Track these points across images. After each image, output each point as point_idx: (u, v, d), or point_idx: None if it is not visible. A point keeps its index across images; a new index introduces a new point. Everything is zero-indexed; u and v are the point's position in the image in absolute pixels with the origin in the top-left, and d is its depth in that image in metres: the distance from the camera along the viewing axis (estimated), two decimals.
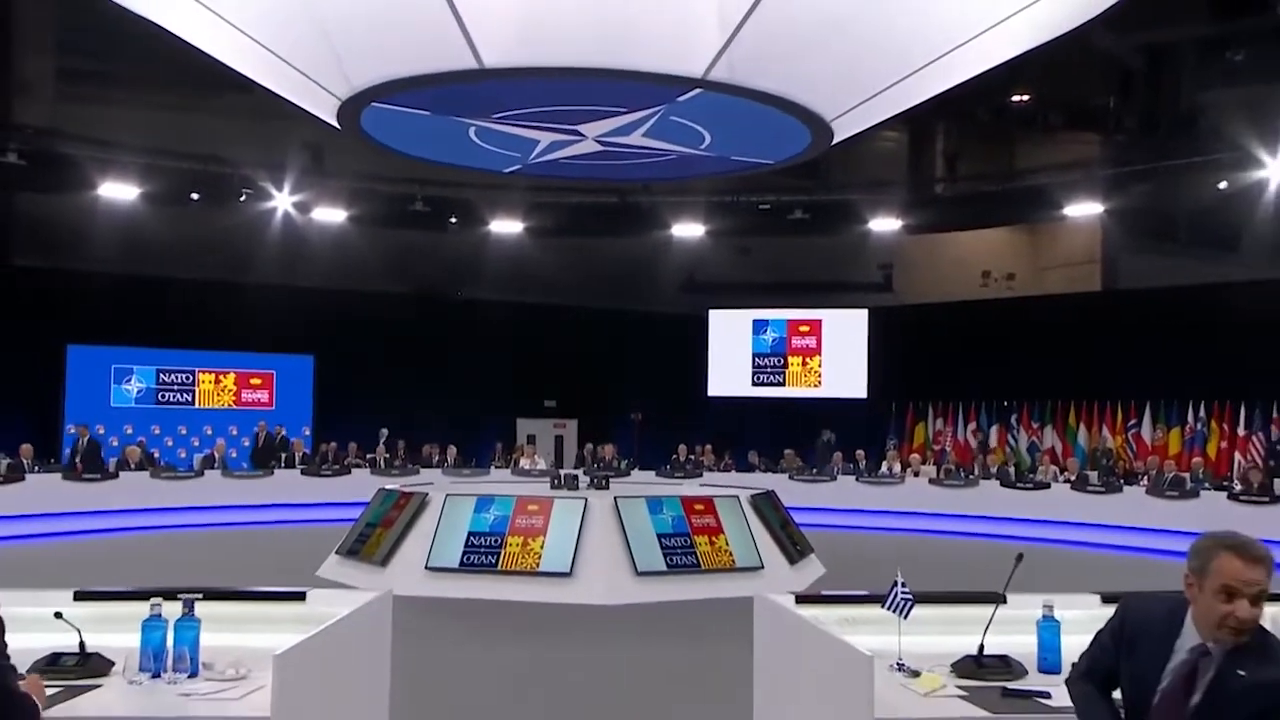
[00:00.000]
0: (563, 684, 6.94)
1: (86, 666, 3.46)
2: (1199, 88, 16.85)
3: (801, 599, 4.72)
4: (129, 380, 18.49)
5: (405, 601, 5.54)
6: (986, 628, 3.85)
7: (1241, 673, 2.74)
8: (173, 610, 3.67)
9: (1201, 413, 17.37)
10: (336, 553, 10.58)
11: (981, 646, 3.83)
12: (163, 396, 18.74)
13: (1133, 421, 18.10)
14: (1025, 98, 19.66)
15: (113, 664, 3.53)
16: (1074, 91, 19.17)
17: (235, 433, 18.87)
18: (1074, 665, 3.27)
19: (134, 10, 9.27)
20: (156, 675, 3.48)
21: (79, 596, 3.91)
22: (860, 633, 3.85)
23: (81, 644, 3.51)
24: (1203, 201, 16.90)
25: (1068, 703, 3.20)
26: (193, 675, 3.51)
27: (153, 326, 17.98)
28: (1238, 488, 14.19)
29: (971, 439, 19.71)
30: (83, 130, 16.46)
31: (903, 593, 3.91)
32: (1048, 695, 3.47)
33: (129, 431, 17.66)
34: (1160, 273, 18.83)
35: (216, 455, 16.67)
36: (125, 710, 3.31)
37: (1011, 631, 4.01)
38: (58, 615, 3.53)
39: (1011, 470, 17.15)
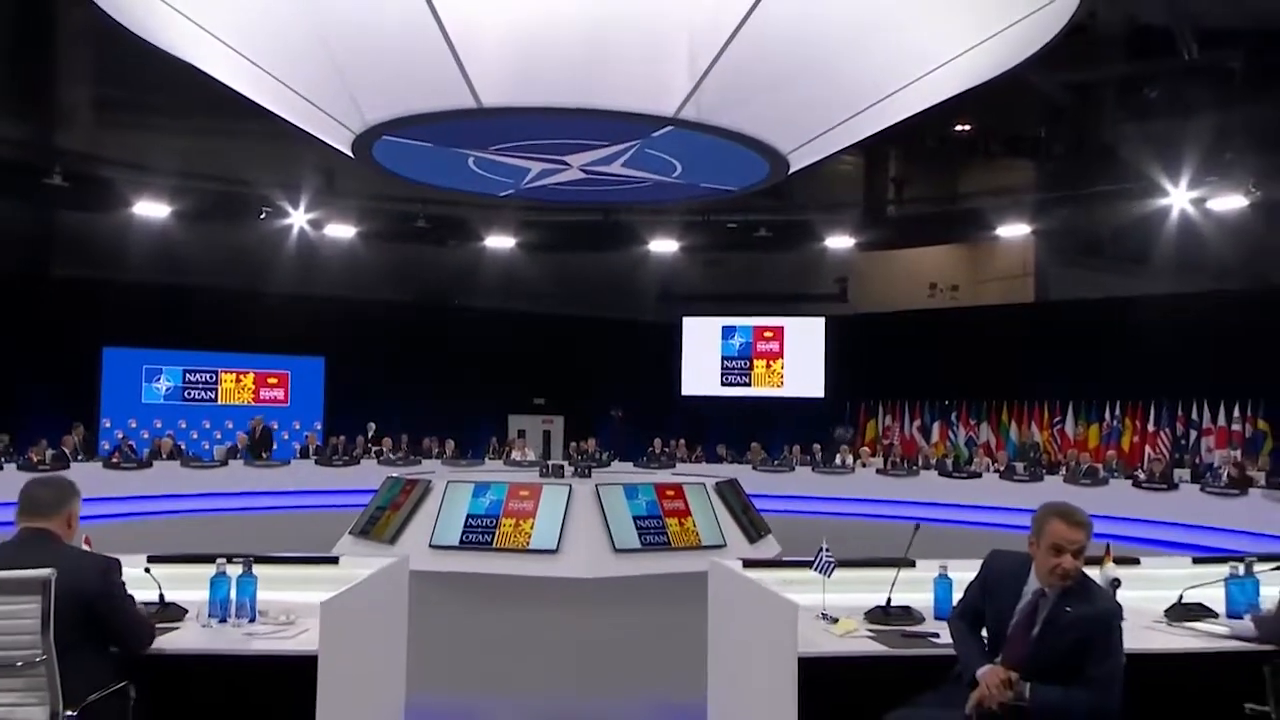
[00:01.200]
0: (550, 644, 7.14)
1: (166, 613, 3.74)
2: (1118, 122, 16.99)
3: (748, 564, 5.07)
4: (158, 379, 18.44)
5: (412, 575, 5.78)
6: (893, 584, 4.21)
7: (1069, 609, 3.20)
8: (232, 571, 4.05)
9: (1118, 411, 17.57)
10: (350, 533, 10.82)
11: (889, 599, 4.21)
12: (189, 394, 18.70)
13: (1058, 419, 18.25)
14: (967, 127, 19.87)
15: (186, 611, 3.83)
16: (1010, 123, 19.29)
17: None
18: (953, 608, 3.73)
19: (180, 56, 9.52)
20: (223, 620, 3.78)
21: (152, 560, 4.09)
22: (794, 591, 4.09)
23: (161, 595, 3.82)
24: (1119, 223, 17.18)
25: (950, 640, 3.66)
26: (252, 620, 3.81)
27: (180, 331, 17.98)
28: (1142, 477, 14.49)
29: (917, 434, 19.79)
30: (119, 155, 16.46)
31: (826, 557, 4.33)
32: (937, 635, 3.88)
33: (158, 425, 17.65)
34: (1084, 286, 18.95)
35: (240, 447, 16.70)
36: (202, 645, 3.62)
37: (916, 589, 4.32)
38: (147, 570, 3.87)
39: (950, 462, 17.28)
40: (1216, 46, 13.94)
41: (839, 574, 4.35)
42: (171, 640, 3.62)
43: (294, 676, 3.55)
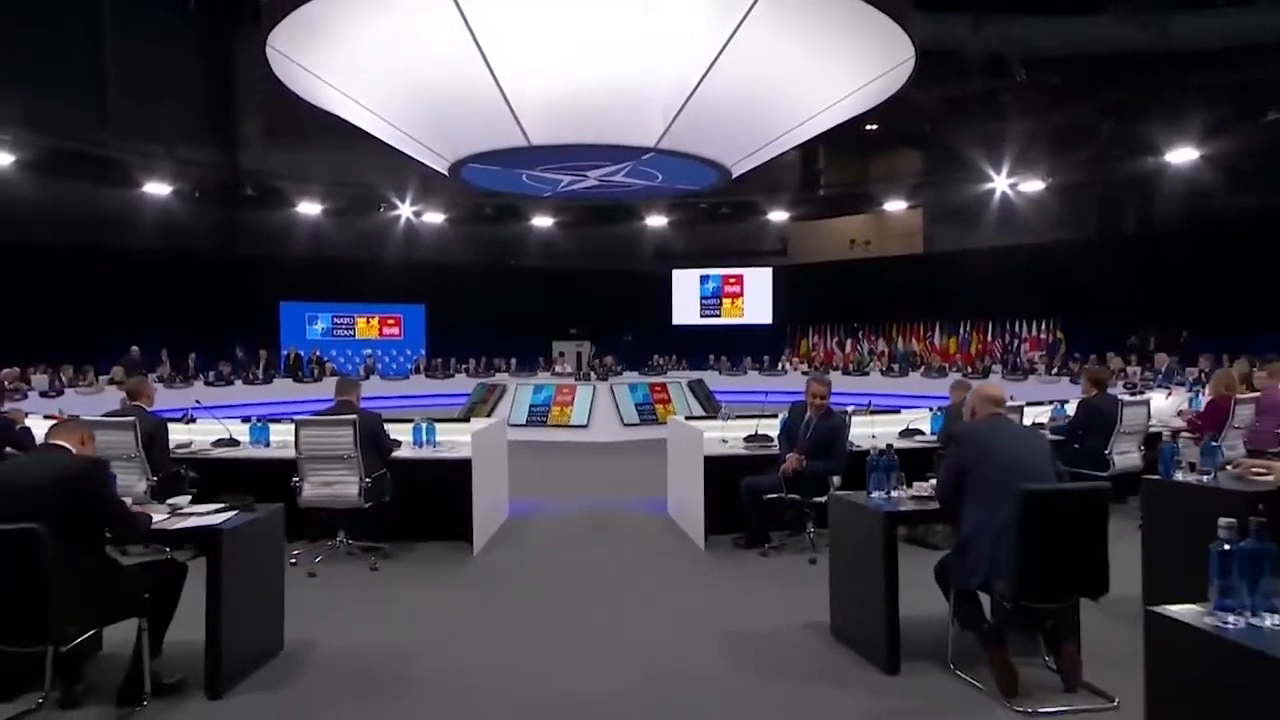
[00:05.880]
0: (582, 477, 8.75)
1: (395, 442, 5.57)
2: (971, 126, 17.13)
3: (687, 417, 6.87)
4: (316, 322, 19.32)
5: None
6: (758, 425, 5.90)
7: (821, 424, 4.87)
8: (422, 423, 5.78)
9: (968, 327, 18.33)
10: (455, 419, 12.51)
11: (756, 430, 5.83)
12: (336, 332, 19.52)
13: (929, 334, 19.01)
14: (874, 127, 20.28)
15: (401, 442, 5.48)
16: (906, 125, 19.70)
17: (379, 354, 19.59)
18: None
19: (331, 111, 10.74)
20: (421, 446, 5.46)
21: None
22: (709, 431, 5.73)
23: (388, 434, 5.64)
24: (968, 198, 17.67)
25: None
26: (435, 446, 5.46)
27: (329, 289, 18.65)
28: (970, 370, 15.49)
29: (835, 348, 20.39)
30: (285, 170, 17.19)
31: (725, 413, 6.11)
32: (776, 446, 5.69)
33: (316, 354, 18.35)
34: (952, 241, 19.25)
35: (372, 366, 18.12)
36: (415, 455, 5.30)
37: (774, 428, 6.15)
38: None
39: (853, 366, 18.15)
40: (1040, 69, 14.38)
41: (735, 422, 6.07)
42: (399, 454, 5.32)
43: (458, 473, 5.27)
